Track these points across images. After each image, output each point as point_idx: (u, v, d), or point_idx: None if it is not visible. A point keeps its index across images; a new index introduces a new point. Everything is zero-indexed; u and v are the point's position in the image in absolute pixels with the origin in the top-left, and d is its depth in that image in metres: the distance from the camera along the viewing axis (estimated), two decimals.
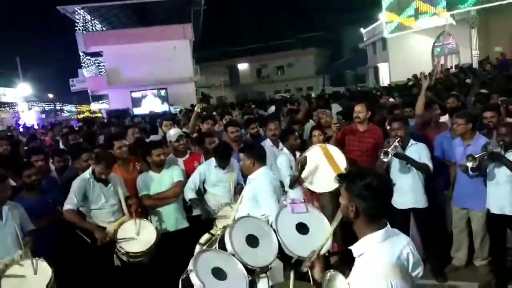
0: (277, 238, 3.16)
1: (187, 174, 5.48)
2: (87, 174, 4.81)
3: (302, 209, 3.43)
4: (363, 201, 2.14)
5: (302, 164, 5.20)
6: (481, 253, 5.22)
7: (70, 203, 4.65)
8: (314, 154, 5.38)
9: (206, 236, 3.85)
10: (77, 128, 12.16)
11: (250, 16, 54.24)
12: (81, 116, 37.28)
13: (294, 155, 5.58)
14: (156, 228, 4.71)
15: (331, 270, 2.22)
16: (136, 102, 30.64)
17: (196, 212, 5.41)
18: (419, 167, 5.08)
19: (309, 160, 5.33)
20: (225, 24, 52.78)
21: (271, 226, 3.25)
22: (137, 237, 4.51)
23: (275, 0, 54.74)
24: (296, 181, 5.25)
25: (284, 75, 51.20)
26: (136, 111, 28.34)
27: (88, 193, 4.75)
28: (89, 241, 4.61)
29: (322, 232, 3.15)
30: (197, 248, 3.74)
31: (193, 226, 5.24)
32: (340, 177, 2.29)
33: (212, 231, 3.93)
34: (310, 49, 49.89)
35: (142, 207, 5.16)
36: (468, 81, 14.04)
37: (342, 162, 5.30)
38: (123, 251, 4.42)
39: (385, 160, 4.91)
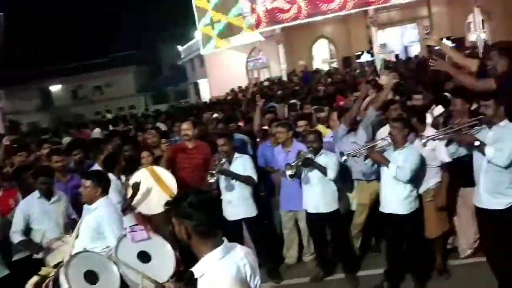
0: (118, 271, 3.04)
1: (2, 213, 4.91)
2: None
3: (144, 237, 3.39)
4: (190, 220, 2.17)
5: (134, 190, 5.04)
6: (309, 249, 5.69)
7: None
8: (142, 177, 5.26)
9: (34, 279, 3.48)
10: None
11: (59, 36, 50.70)
12: None
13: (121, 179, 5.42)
14: None
15: None
16: None
17: (17, 256, 4.84)
18: (243, 180, 5.37)
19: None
20: (32, 45, 48.40)
21: (111, 258, 3.11)
22: None
23: (86, 19, 52.06)
24: (128, 207, 5.06)
25: (103, 95, 49.04)
26: None
27: None
28: None
29: (164, 257, 3.11)
30: None
31: (15, 272, 4.68)
32: (167, 204, 2.31)
33: (42, 272, 3.56)
34: (128, 67, 48.85)
35: None
36: (279, 92, 15.37)
37: (171, 182, 5.31)
38: None
39: (212, 180, 5.10)
